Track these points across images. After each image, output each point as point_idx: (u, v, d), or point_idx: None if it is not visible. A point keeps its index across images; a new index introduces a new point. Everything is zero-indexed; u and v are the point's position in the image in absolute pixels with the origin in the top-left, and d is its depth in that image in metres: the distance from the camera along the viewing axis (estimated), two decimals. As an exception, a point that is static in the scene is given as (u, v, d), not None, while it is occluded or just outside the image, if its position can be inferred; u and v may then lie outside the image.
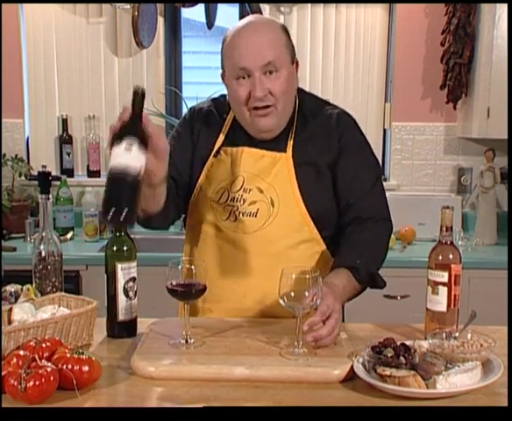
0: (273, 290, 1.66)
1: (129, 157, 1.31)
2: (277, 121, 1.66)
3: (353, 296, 1.65)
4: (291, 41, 1.69)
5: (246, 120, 1.66)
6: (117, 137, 1.33)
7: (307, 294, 1.38)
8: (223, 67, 1.69)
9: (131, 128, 1.33)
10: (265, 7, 3.33)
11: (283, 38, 1.65)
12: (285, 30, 1.68)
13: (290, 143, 1.70)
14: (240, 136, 1.71)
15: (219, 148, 1.73)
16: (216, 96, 1.84)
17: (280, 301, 1.41)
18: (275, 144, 1.70)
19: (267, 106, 1.62)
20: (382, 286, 1.69)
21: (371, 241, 1.68)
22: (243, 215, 1.68)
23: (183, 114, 1.87)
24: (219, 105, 1.79)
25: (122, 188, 1.32)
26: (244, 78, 1.61)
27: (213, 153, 1.73)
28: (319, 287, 1.40)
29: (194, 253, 1.75)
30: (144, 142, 1.33)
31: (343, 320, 1.79)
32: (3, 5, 3.22)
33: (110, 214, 1.31)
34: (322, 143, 1.71)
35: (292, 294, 1.39)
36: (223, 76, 1.71)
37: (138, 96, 1.36)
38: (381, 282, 1.69)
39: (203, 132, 1.75)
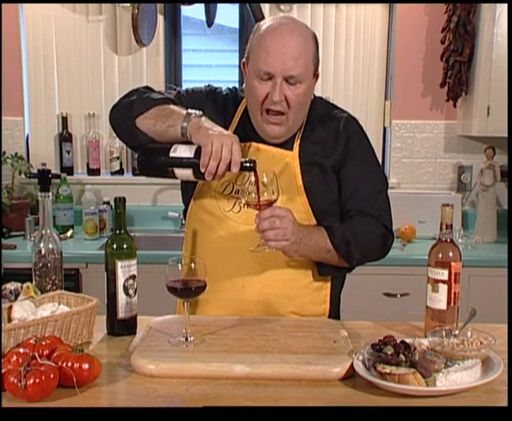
0: (272, 283, 1.68)
1: (188, 172, 1.55)
2: (286, 130, 1.68)
3: (327, 259, 1.66)
4: (318, 53, 1.70)
5: (257, 121, 1.68)
6: (197, 169, 1.52)
7: (266, 194, 1.53)
8: (247, 58, 1.69)
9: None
10: (265, 5, 3.33)
11: (313, 51, 1.66)
12: (316, 41, 1.69)
13: (297, 142, 1.72)
14: (248, 130, 1.73)
15: None
16: (230, 87, 1.84)
17: (243, 201, 1.59)
18: (283, 142, 1.72)
19: (279, 113, 1.64)
20: (354, 256, 1.67)
21: (360, 224, 1.69)
22: (247, 206, 1.68)
23: (203, 85, 1.86)
24: (233, 98, 1.80)
25: (162, 163, 1.58)
26: (265, 79, 1.62)
27: None
28: (276, 184, 1.53)
29: (195, 245, 1.76)
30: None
31: (339, 318, 1.80)
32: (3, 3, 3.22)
33: (143, 158, 1.61)
34: (328, 145, 1.72)
35: (253, 195, 1.54)
36: (244, 64, 1.72)
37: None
38: (356, 253, 1.67)
39: (215, 117, 1.72)
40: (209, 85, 1.84)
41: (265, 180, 1.52)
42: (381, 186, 1.77)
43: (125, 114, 1.68)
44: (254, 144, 1.72)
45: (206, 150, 1.49)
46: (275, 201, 1.53)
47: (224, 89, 1.83)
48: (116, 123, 1.74)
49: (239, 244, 1.68)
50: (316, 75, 1.71)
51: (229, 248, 1.69)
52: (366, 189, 1.73)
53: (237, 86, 1.85)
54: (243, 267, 1.68)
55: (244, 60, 1.72)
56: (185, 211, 1.81)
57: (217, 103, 1.77)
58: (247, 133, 1.72)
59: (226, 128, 1.72)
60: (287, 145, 1.72)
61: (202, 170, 1.50)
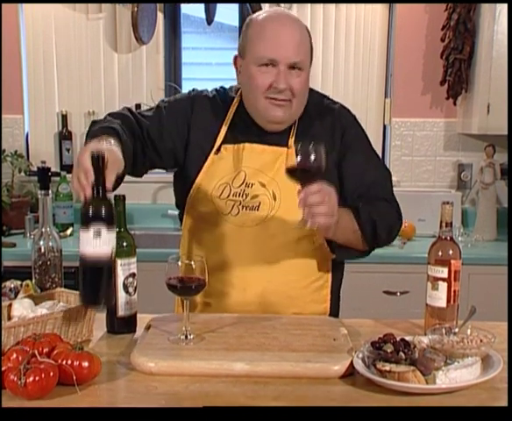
0: (274, 284, 1.68)
1: (98, 244, 1.31)
2: (289, 115, 1.67)
3: (353, 241, 1.64)
4: (312, 44, 1.70)
5: (259, 108, 1.66)
6: (83, 218, 1.31)
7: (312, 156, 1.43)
8: (242, 50, 1.67)
9: (97, 209, 1.31)
10: (265, 5, 3.32)
11: (309, 40, 1.68)
12: (309, 33, 1.70)
13: (292, 139, 1.70)
14: (242, 131, 1.71)
15: (220, 145, 1.72)
16: (217, 87, 1.83)
17: (286, 173, 1.48)
18: (277, 139, 1.70)
19: (284, 99, 1.63)
20: (380, 236, 1.66)
21: (379, 205, 1.69)
22: (245, 209, 1.68)
23: (187, 91, 1.84)
24: (222, 98, 1.78)
25: (97, 276, 1.35)
26: (267, 66, 1.61)
27: (214, 151, 1.72)
28: (322, 155, 1.44)
29: (192, 249, 1.75)
30: (110, 216, 1.32)
31: (338, 313, 1.80)
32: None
33: (90, 303, 1.41)
34: (325, 141, 1.70)
35: (296, 168, 1.45)
36: (236, 58, 1.70)
37: (99, 163, 1.31)
38: (382, 233, 1.66)
39: (204, 121, 1.74)
40: (194, 89, 1.82)
41: (310, 147, 1.43)
42: (387, 172, 1.78)
43: None
44: (248, 144, 1.70)
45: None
46: (321, 172, 1.45)
47: (210, 90, 1.81)
48: None
49: (240, 246, 1.67)
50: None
51: (229, 252, 1.68)
52: (373, 175, 1.72)
53: (224, 86, 1.82)
54: (244, 270, 1.67)
55: (236, 54, 1.70)
56: (180, 215, 1.80)
57: (205, 108, 1.75)
58: (241, 134, 1.71)
59: (218, 131, 1.72)
60: (282, 142, 1.70)
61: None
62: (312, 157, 1.43)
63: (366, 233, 1.64)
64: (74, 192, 1.39)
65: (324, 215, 1.44)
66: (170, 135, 1.72)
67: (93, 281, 1.35)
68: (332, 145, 1.70)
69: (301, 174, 1.45)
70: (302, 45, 1.63)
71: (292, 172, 1.47)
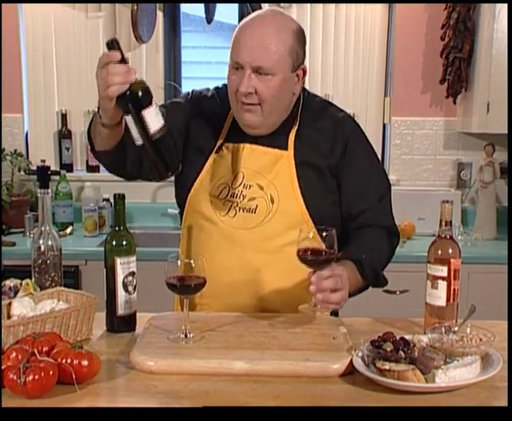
0: (271, 286, 1.67)
1: (160, 116, 1.44)
2: (262, 120, 1.64)
3: (355, 292, 1.65)
4: (302, 48, 1.65)
5: (234, 111, 1.68)
6: (140, 100, 1.41)
7: (324, 246, 1.46)
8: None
9: (145, 87, 1.44)
10: (265, 5, 3.32)
11: (289, 43, 1.61)
12: (298, 35, 1.63)
13: (292, 141, 1.69)
14: (241, 131, 1.70)
15: (221, 144, 1.72)
16: (219, 85, 1.82)
17: (298, 258, 1.49)
18: (277, 141, 1.69)
19: (251, 103, 1.61)
20: (384, 284, 1.71)
21: (377, 242, 1.69)
22: (242, 211, 1.67)
23: (185, 93, 1.84)
24: (222, 97, 1.76)
25: (166, 145, 1.46)
26: (237, 69, 1.61)
27: (215, 150, 1.72)
28: (335, 240, 1.48)
29: (191, 249, 1.74)
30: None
31: (337, 315, 1.79)
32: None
33: (169, 170, 1.49)
34: (325, 148, 1.70)
35: (309, 252, 1.47)
36: None
37: (115, 47, 1.60)
38: (384, 281, 1.71)
39: (204, 122, 1.73)
40: (193, 91, 1.81)
41: (324, 234, 1.48)
42: (386, 186, 1.77)
43: (92, 151, 1.65)
44: (248, 145, 1.69)
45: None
46: (334, 259, 1.49)
47: (210, 89, 1.80)
48: (100, 162, 1.69)
49: (236, 248, 1.66)
50: (303, 71, 1.67)
51: (226, 253, 1.67)
52: (373, 192, 1.72)
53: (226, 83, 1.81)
54: (241, 272, 1.67)
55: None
56: (181, 213, 1.80)
57: (204, 110, 1.75)
58: (240, 134, 1.70)
59: (218, 133, 1.72)
60: (281, 144, 1.69)
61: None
62: (326, 247, 1.47)
63: (368, 282, 1.67)
64: (109, 90, 1.49)
65: (337, 302, 1.48)
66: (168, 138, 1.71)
67: (165, 150, 1.45)
68: (331, 152, 1.69)
69: (314, 261, 1.48)
70: (271, 48, 1.58)
71: (305, 259, 1.49)
